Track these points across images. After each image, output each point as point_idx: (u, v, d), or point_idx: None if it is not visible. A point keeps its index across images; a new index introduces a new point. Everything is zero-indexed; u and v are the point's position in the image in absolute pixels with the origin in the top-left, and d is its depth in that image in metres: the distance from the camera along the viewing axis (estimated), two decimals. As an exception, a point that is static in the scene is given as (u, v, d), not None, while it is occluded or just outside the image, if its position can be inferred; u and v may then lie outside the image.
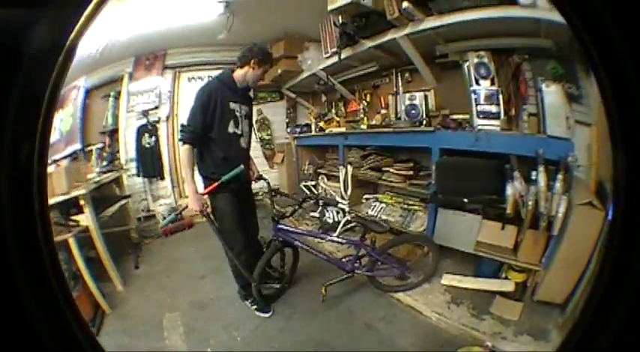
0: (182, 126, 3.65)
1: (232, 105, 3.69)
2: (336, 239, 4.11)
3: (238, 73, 3.72)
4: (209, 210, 3.64)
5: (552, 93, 3.53)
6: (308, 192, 5.31)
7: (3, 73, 1.02)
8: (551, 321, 3.26)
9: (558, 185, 3.31)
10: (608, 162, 1.26)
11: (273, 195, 4.02)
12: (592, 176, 3.24)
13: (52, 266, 1.18)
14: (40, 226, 1.14)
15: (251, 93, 4.02)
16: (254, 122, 5.22)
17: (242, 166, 3.64)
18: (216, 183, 3.57)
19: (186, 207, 3.64)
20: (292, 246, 3.96)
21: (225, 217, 3.71)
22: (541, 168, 3.40)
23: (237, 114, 3.73)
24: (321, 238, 4.26)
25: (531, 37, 3.56)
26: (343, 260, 3.95)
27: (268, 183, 4.08)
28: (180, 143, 3.59)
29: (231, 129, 3.69)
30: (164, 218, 5.00)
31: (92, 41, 3.78)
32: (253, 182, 4.09)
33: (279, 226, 3.85)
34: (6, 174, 1.06)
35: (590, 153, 3.23)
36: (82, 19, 1.15)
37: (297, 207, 4.16)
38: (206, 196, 3.64)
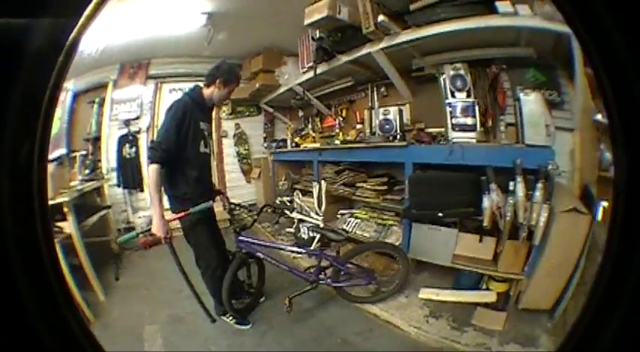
0: (153, 143, 3.31)
1: (202, 124, 3.37)
2: (295, 249, 3.78)
3: (206, 92, 3.40)
4: (172, 237, 3.23)
5: (531, 102, 3.27)
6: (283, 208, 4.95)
7: (3, 72, 0.96)
8: (538, 327, 2.98)
9: (538, 194, 3.03)
10: (592, 166, 1.03)
11: (232, 207, 3.67)
12: (576, 181, 3.02)
13: (52, 265, 1.10)
14: (40, 225, 1.07)
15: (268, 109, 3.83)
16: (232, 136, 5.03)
17: (211, 202, 3.31)
18: (184, 213, 3.20)
19: (149, 229, 3.20)
20: (255, 258, 3.62)
21: (199, 235, 3.36)
22: (519, 178, 3.12)
23: (206, 133, 3.42)
24: (281, 249, 3.87)
25: (511, 46, 3.33)
26: (309, 271, 3.60)
27: (227, 198, 3.74)
28: (148, 161, 3.15)
29: (202, 148, 3.37)
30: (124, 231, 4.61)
31: (88, 44, 3.40)
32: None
33: (240, 238, 3.49)
34: (6, 174, 1.00)
35: (573, 159, 3.01)
36: (82, 19, 1.08)
37: (255, 216, 3.85)
38: (173, 222, 3.25)
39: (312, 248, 4.01)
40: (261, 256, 3.54)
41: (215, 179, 3.84)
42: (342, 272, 3.53)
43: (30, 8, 0.95)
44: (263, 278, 3.76)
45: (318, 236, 4.54)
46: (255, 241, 3.59)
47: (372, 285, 3.56)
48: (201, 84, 3.43)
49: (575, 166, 2.99)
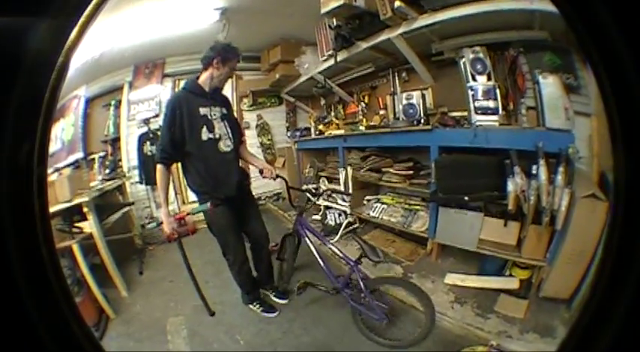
0: (157, 144, 3.52)
1: (202, 110, 3.47)
2: (334, 249, 3.70)
3: (203, 77, 3.50)
4: (176, 235, 3.45)
5: (550, 85, 3.34)
6: (310, 196, 5.14)
7: (3, 73, 1.00)
8: (557, 317, 3.06)
9: (560, 178, 3.12)
10: (609, 153, 1.12)
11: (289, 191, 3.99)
12: (594, 167, 3.05)
13: (52, 266, 1.14)
14: (40, 226, 1.11)
15: (290, 99, 3.83)
16: (254, 127, 5.23)
17: (208, 204, 3.38)
18: (182, 215, 3.46)
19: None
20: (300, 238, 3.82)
21: (221, 230, 3.54)
22: (542, 162, 3.21)
23: (210, 118, 3.49)
24: (324, 242, 3.81)
25: (526, 29, 3.39)
26: (339, 277, 3.55)
27: (286, 181, 3.99)
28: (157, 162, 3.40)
29: (204, 136, 3.45)
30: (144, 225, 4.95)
31: (90, 49, 3.62)
32: (272, 180, 3.83)
33: (301, 219, 3.77)
34: (6, 174, 1.04)
35: (591, 144, 3.04)
36: (82, 18, 1.13)
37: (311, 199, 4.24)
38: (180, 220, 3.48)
39: (338, 236, 4.22)
40: (308, 242, 3.67)
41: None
42: (363, 295, 3.35)
43: (30, 8, 1.00)
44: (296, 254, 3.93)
45: (345, 222, 4.86)
46: (310, 228, 3.80)
47: (383, 324, 3.27)
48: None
49: (593, 152, 3.03)
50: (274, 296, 3.75)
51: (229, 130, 3.61)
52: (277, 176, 3.79)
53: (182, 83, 3.65)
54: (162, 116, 3.41)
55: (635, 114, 1.05)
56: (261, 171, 3.72)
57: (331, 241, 3.89)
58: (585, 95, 3.17)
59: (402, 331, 3.33)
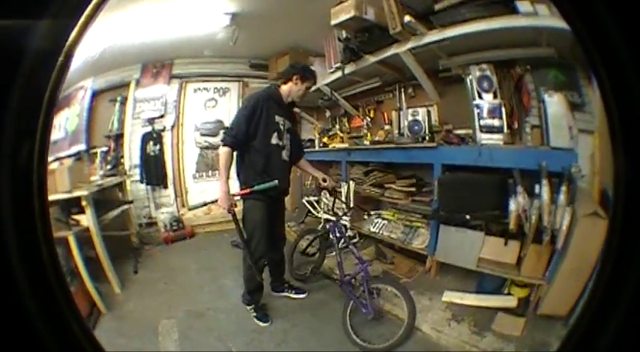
0: (225, 129, 4.00)
1: (277, 118, 3.76)
2: (353, 248, 3.97)
3: (283, 89, 3.81)
4: (236, 209, 3.66)
5: (555, 103, 3.38)
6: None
7: (3, 72, 1.00)
8: (554, 334, 3.03)
9: (562, 197, 3.14)
10: (610, 170, 1.15)
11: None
12: (595, 185, 3.06)
13: (52, 266, 1.14)
14: (40, 226, 1.11)
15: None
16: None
17: (276, 181, 3.67)
18: (248, 190, 3.64)
19: (214, 200, 3.91)
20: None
21: (253, 223, 3.71)
22: (544, 182, 3.23)
23: (281, 127, 3.79)
24: (348, 244, 4.14)
25: (533, 47, 3.43)
26: (348, 274, 3.81)
27: (336, 191, 4.52)
28: (221, 143, 3.70)
29: (274, 140, 3.74)
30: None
31: (96, 42, 3.68)
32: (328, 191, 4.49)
33: (338, 224, 4.18)
34: (6, 174, 1.04)
35: (593, 162, 3.07)
36: (82, 19, 1.13)
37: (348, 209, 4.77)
38: (237, 198, 3.67)
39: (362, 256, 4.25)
40: (334, 241, 4.07)
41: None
42: (362, 290, 3.61)
43: (30, 8, 1.01)
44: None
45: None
46: (341, 232, 4.21)
47: (370, 316, 3.49)
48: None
49: (595, 170, 3.03)
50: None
51: (291, 143, 3.94)
52: (333, 188, 4.39)
53: (264, 87, 4.03)
54: (241, 108, 3.84)
55: (635, 114, 1.06)
56: (324, 180, 4.16)
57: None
58: (589, 112, 3.21)
59: (379, 336, 3.42)
